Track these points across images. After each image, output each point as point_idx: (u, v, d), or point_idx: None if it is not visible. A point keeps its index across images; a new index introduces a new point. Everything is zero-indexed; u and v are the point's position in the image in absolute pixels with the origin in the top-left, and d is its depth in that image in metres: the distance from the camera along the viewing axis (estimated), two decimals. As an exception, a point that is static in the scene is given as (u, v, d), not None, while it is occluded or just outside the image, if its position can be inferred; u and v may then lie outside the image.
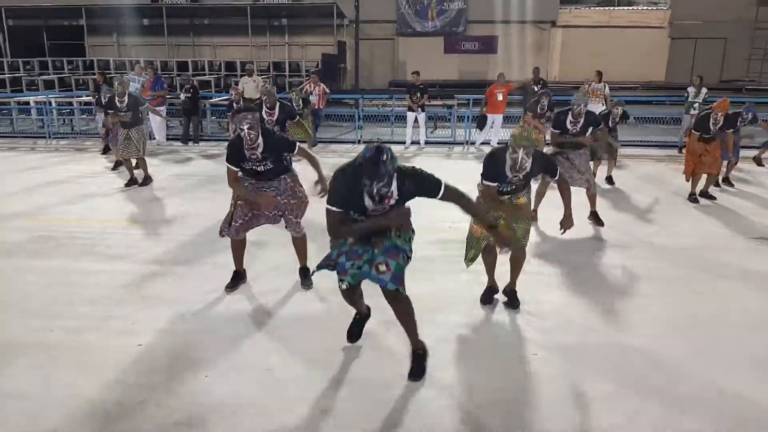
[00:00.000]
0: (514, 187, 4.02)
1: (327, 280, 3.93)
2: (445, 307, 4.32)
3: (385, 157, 2.83)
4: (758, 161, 9.57)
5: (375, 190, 2.88)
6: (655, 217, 6.84)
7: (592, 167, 6.94)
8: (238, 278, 4.66)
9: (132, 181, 8.30)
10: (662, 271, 5.11)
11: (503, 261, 4.33)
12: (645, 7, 23.39)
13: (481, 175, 4.03)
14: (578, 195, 7.05)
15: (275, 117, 7.18)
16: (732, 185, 8.45)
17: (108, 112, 8.66)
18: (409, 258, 3.28)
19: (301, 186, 4.61)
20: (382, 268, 3.13)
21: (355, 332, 3.74)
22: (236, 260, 4.64)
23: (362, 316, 3.75)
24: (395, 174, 2.96)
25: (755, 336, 3.96)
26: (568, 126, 6.24)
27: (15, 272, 5.03)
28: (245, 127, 4.07)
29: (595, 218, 6.45)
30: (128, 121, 8.00)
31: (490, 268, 4.39)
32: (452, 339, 3.86)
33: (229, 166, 4.29)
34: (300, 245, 4.67)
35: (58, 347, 3.74)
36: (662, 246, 5.79)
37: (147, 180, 8.41)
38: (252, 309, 4.30)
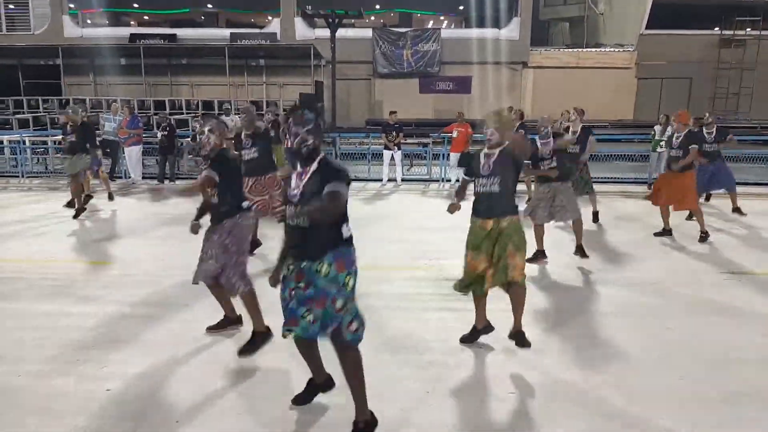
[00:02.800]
0: (489, 185, 4.03)
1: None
2: (419, 345, 4.31)
3: (305, 111, 3.00)
4: (739, 210, 8.71)
5: (293, 131, 2.96)
6: (625, 252, 6.95)
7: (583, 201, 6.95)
8: (232, 322, 4.53)
9: (71, 203, 8.66)
10: (633, 308, 5.18)
11: (499, 297, 4.32)
12: (612, 49, 24.23)
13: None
14: (564, 230, 7.15)
15: (249, 143, 6.58)
16: (743, 214, 8.54)
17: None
18: (344, 309, 2.99)
19: (238, 241, 4.19)
20: (311, 317, 2.94)
21: (301, 398, 3.44)
22: (223, 306, 4.48)
23: (317, 384, 3.43)
24: (321, 160, 3.02)
25: (728, 370, 4.02)
26: (540, 148, 6.23)
27: (-19, 315, 4.91)
28: (206, 129, 4.06)
29: (581, 252, 6.44)
30: (70, 146, 8.44)
31: (479, 307, 4.31)
32: (426, 378, 3.85)
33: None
34: (246, 302, 4.23)
35: (25, 392, 3.63)
36: (633, 281, 5.88)
37: (78, 209, 8.58)
38: (224, 352, 4.24)
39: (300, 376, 3.77)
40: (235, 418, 3.38)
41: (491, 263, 4.07)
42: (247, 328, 4.48)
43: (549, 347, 4.32)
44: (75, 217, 8.49)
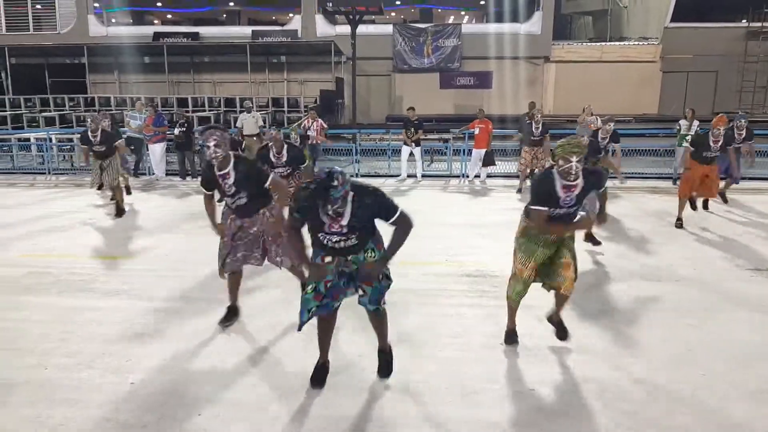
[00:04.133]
0: (565, 211, 3.83)
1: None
2: (437, 341, 4.31)
3: (335, 182, 3.01)
4: (724, 197, 8.77)
5: (329, 210, 3.13)
6: (649, 248, 6.85)
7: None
8: (233, 313, 4.63)
9: (120, 212, 8.62)
10: (657, 303, 5.11)
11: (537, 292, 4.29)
12: (636, 42, 23.82)
13: (530, 201, 3.91)
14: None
15: (284, 159, 6.88)
16: (726, 201, 8.65)
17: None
18: (386, 277, 3.53)
19: (278, 214, 4.48)
20: (362, 291, 3.48)
21: (319, 378, 3.66)
22: (231, 295, 4.62)
23: (324, 364, 3.71)
24: (351, 193, 3.20)
25: (752, 367, 3.95)
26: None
27: (9, 308, 5.03)
28: (211, 144, 3.97)
29: (591, 239, 6.67)
30: (102, 152, 8.48)
31: (512, 311, 4.24)
32: (446, 373, 3.84)
33: (203, 188, 4.33)
34: (297, 274, 4.63)
35: (51, 385, 3.72)
36: (657, 277, 5.80)
37: (120, 212, 8.63)
38: (247, 346, 4.28)
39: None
40: (257, 410, 3.42)
41: (539, 270, 4.01)
42: (261, 322, 4.52)
43: (569, 342, 4.28)
44: (118, 216, 8.59)
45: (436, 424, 3.27)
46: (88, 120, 8.77)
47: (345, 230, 3.27)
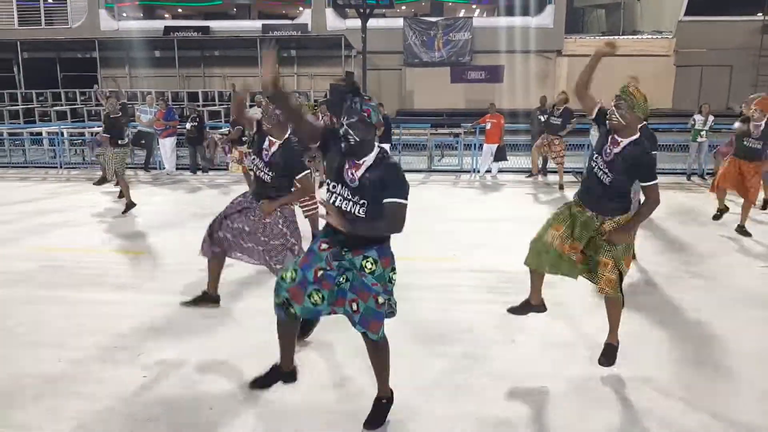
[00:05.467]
0: (599, 168, 3.49)
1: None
2: (448, 337, 4.29)
3: (366, 95, 2.84)
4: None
5: (345, 123, 2.82)
6: (660, 244, 6.79)
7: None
8: (206, 300, 4.45)
9: (128, 206, 8.49)
10: (671, 300, 5.06)
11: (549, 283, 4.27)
12: (650, 36, 23.58)
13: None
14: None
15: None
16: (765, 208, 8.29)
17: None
18: (386, 303, 2.99)
19: (293, 230, 4.19)
20: (354, 306, 2.93)
21: (260, 382, 3.46)
22: (211, 280, 4.44)
23: (282, 370, 3.41)
24: (378, 150, 2.92)
25: (764, 366, 3.90)
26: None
27: (23, 302, 5.06)
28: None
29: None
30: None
31: (536, 281, 3.96)
32: (457, 370, 3.83)
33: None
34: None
35: (64, 378, 3.74)
36: (668, 273, 5.74)
37: (128, 206, 8.50)
38: (258, 340, 4.28)
39: (330, 367, 3.80)
40: (268, 406, 3.41)
41: (583, 255, 3.61)
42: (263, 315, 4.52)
43: (581, 341, 4.25)
44: (127, 210, 8.48)
45: (446, 421, 3.25)
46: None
47: (356, 185, 2.90)
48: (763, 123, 6.71)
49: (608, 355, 3.72)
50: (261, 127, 4.12)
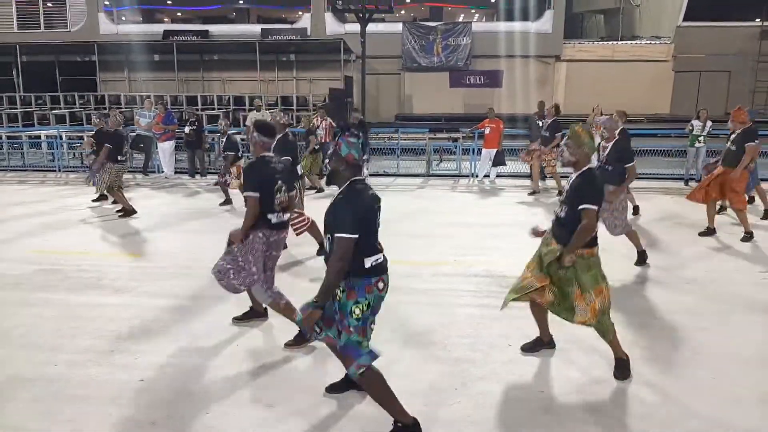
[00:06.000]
0: (559, 207, 3.80)
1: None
2: (446, 341, 4.28)
3: (363, 129, 2.96)
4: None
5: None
6: (660, 250, 6.79)
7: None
8: (252, 315, 4.61)
9: (127, 211, 8.53)
10: (668, 306, 5.05)
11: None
12: (648, 41, 23.64)
13: None
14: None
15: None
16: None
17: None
18: (348, 327, 2.93)
19: (244, 252, 4.13)
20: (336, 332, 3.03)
21: (336, 387, 3.55)
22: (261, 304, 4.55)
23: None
24: (340, 163, 2.94)
25: (765, 369, 3.90)
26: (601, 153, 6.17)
27: (20, 304, 5.05)
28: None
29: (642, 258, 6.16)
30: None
31: (539, 321, 4.09)
32: (455, 374, 3.81)
33: (252, 194, 4.02)
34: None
35: (60, 381, 3.72)
36: (668, 279, 5.74)
37: (127, 213, 8.53)
38: (255, 345, 4.27)
39: (331, 368, 3.78)
40: (265, 409, 3.40)
41: (549, 288, 3.77)
42: (274, 321, 4.51)
43: (580, 345, 4.24)
44: (123, 216, 8.51)
45: (445, 425, 3.24)
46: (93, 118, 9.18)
47: (327, 218, 2.96)
48: (739, 132, 7.00)
49: (620, 368, 3.79)
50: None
